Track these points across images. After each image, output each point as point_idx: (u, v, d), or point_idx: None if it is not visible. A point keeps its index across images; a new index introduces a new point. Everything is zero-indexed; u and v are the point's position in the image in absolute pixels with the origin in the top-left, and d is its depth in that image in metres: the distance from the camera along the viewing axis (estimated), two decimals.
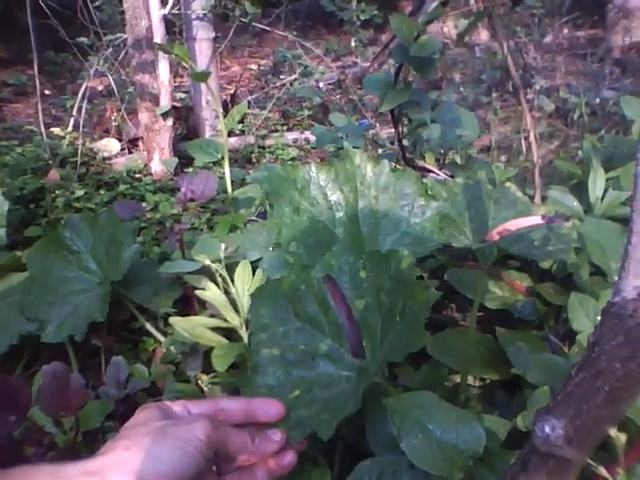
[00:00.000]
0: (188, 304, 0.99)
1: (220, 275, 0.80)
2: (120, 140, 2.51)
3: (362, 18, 4.54)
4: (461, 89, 3.05)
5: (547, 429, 0.43)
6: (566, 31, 4.13)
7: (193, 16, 2.42)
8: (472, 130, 1.14)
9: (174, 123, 2.31)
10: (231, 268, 0.81)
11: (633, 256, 0.38)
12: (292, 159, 2.48)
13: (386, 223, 0.85)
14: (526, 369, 0.70)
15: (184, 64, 1.35)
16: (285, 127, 2.90)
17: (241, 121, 2.76)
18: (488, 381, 0.80)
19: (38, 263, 1.03)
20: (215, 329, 0.82)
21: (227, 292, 0.81)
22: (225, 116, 1.13)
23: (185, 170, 2.23)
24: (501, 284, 0.91)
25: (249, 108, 2.96)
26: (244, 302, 0.80)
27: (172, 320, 0.83)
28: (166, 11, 2.15)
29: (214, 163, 2.12)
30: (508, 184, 0.91)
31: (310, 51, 3.64)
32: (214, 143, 1.17)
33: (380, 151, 2.21)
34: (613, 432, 0.44)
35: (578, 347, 0.73)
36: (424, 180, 0.89)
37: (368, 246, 0.82)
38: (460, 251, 0.91)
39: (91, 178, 2.13)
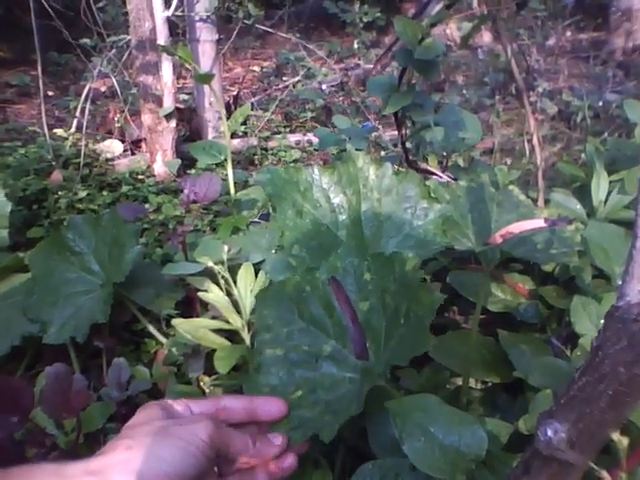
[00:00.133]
0: (190, 306, 0.99)
1: (222, 277, 0.80)
2: (123, 141, 2.51)
3: (365, 20, 4.54)
4: (464, 91, 3.05)
5: (550, 433, 0.43)
6: (569, 34, 4.12)
7: (196, 18, 2.43)
8: (475, 132, 1.14)
9: (177, 125, 2.31)
10: (233, 270, 0.81)
11: (637, 260, 0.38)
12: (294, 161, 2.48)
13: (389, 226, 0.85)
14: (528, 372, 0.70)
15: (187, 66, 1.35)
16: (288, 129, 2.90)
17: (244, 123, 2.76)
18: (490, 384, 0.80)
19: (40, 264, 1.03)
20: (217, 331, 0.82)
21: (229, 294, 0.81)
22: (228, 118, 1.14)
23: (188, 172, 2.23)
24: (503, 287, 0.91)
25: (252, 110, 2.96)
26: (246, 304, 0.80)
27: (174, 322, 0.83)
28: (170, 13, 2.15)
29: (217, 165, 2.13)
30: (511, 187, 0.91)
31: (313, 53, 3.64)
32: (217, 145, 1.17)
33: (383, 153, 2.20)
34: (616, 436, 0.44)
35: (580, 350, 0.73)
36: (427, 183, 0.89)
37: (371, 249, 0.82)
38: (463, 254, 0.91)
39: (94, 179, 2.13)
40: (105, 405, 0.82)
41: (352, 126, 1.35)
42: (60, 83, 3.84)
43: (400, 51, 0.94)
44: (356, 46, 4.46)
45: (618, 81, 3.17)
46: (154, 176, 2.24)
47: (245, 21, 3.04)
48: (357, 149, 0.97)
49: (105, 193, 2.02)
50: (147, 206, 1.88)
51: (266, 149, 2.58)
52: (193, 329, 0.82)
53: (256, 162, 2.47)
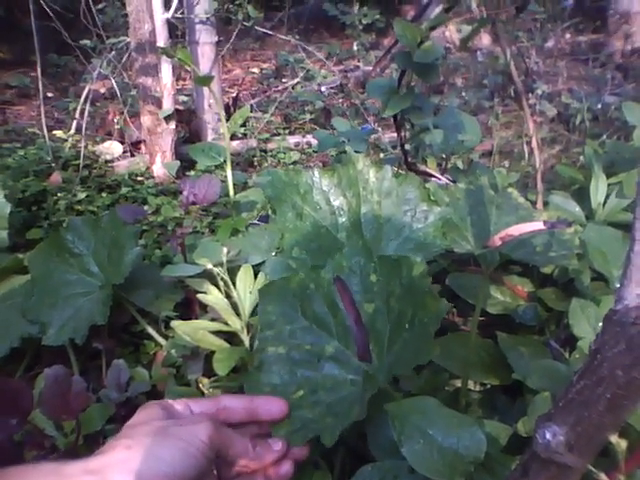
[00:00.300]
0: (189, 308, 0.99)
1: (222, 279, 0.80)
2: (122, 143, 2.51)
3: (364, 22, 4.55)
4: (463, 94, 3.05)
5: (548, 435, 0.43)
6: (568, 36, 4.13)
7: (196, 20, 2.43)
8: (474, 135, 1.14)
9: (176, 126, 2.31)
10: (233, 272, 0.81)
11: (635, 263, 0.39)
12: (294, 163, 2.48)
13: (389, 228, 0.85)
14: (527, 374, 0.70)
15: (187, 67, 1.35)
16: (287, 131, 2.90)
17: (243, 124, 2.76)
18: (489, 386, 0.80)
19: (40, 266, 1.03)
20: (216, 333, 0.82)
21: (229, 296, 0.81)
22: (227, 119, 1.14)
23: (187, 173, 2.23)
24: (503, 289, 0.92)
25: (251, 111, 2.96)
26: (246, 306, 0.80)
27: (173, 323, 0.83)
28: (169, 15, 2.15)
29: (216, 166, 2.13)
30: (510, 189, 0.91)
31: (312, 55, 3.64)
32: (216, 146, 1.17)
33: (382, 155, 2.21)
34: (614, 438, 0.44)
35: (579, 353, 0.73)
36: (426, 185, 0.89)
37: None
38: (462, 256, 0.91)
39: (93, 181, 2.13)
40: (104, 407, 0.82)
41: (351, 128, 1.35)
42: (60, 85, 3.84)
43: (399, 54, 0.95)
44: (355, 48, 4.46)
45: (617, 83, 3.17)
46: (153, 178, 2.24)
47: (244, 23, 3.04)
48: (356, 151, 0.97)
49: (104, 195, 2.02)
50: (146, 208, 1.88)
51: (265, 151, 2.58)
52: (192, 331, 0.82)
53: (255, 164, 2.47)
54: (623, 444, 0.45)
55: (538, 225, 0.75)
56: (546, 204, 1.03)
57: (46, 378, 0.75)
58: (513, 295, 0.91)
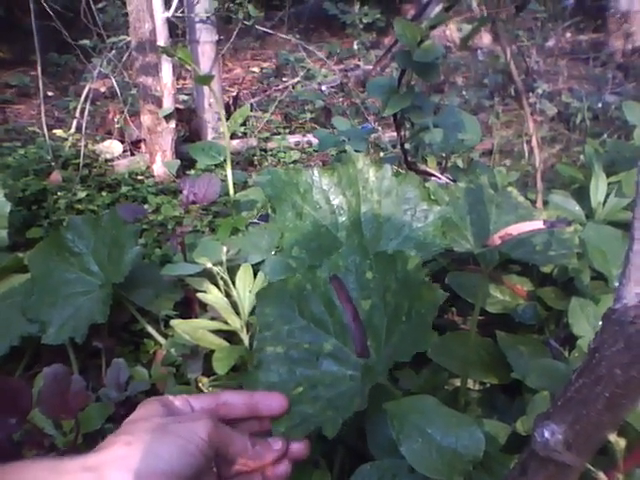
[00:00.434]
0: (189, 307, 0.99)
1: (221, 278, 0.80)
2: (122, 142, 2.51)
3: (365, 21, 4.55)
4: (463, 93, 3.05)
5: (547, 434, 0.43)
6: (569, 35, 4.13)
7: (196, 19, 2.43)
8: (474, 134, 1.14)
9: (176, 125, 2.31)
10: (232, 271, 0.81)
11: (634, 263, 0.39)
12: (294, 162, 2.48)
13: (389, 227, 0.85)
14: (526, 373, 0.70)
15: (187, 67, 1.35)
16: (287, 130, 2.90)
17: (243, 124, 2.76)
18: (488, 385, 0.80)
19: (40, 265, 1.03)
20: (216, 332, 0.82)
21: (228, 295, 0.81)
22: (227, 119, 1.14)
23: (187, 172, 2.23)
24: (502, 288, 0.92)
25: (251, 111, 2.96)
26: (245, 305, 0.80)
27: (173, 322, 0.83)
28: (169, 14, 2.15)
29: (216, 165, 2.13)
30: (510, 188, 0.91)
31: (312, 54, 3.64)
32: (216, 145, 1.17)
33: (382, 154, 2.21)
34: (612, 437, 0.44)
35: (578, 352, 0.73)
36: (426, 184, 0.89)
37: (370, 251, 0.82)
38: (461, 255, 0.91)
39: (93, 180, 2.13)
40: (104, 406, 0.82)
41: (351, 127, 1.35)
42: (60, 84, 3.84)
43: (399, 53, 0.95)
44: (356, 47, 4.46)
45: (617, 83, 3.17)
46: (153, 177, 2.24)
47: (245, 22, 3.03)
48: (356, 150, 0.97)
49: (104, 194, 2.02)
50: (146, 207, 1.88)
51: (265, 150, 2.58)
52: (192, 330, 0.82)
53: (255, 163, 2.47)
54: (622, 443, 0.45)
55: (538, 224, 0.75)
56: (546, 203, 1.03)
57: (45, 377, 0.75)
58: (512, 294, 0.91)
